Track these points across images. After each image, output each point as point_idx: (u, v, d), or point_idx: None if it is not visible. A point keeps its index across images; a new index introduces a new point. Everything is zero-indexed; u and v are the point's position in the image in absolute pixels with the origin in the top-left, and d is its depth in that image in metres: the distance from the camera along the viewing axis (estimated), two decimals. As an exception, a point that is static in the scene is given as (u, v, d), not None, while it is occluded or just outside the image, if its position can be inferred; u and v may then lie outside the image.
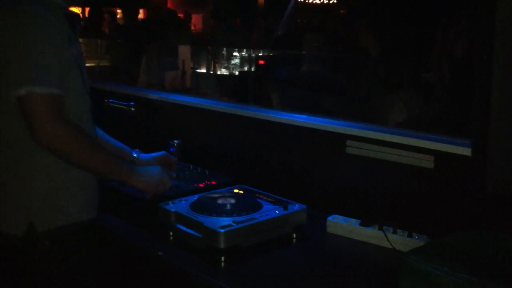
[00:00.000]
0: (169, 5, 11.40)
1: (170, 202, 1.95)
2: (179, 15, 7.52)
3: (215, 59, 5.99)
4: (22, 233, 1.65)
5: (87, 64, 2.33)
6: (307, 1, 10.32)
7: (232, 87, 5.48)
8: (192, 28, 9.11)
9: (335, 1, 10.14)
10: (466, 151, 1.76)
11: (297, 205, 1.94)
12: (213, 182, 2.27)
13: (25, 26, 1.59)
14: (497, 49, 1.49)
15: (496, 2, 1.46)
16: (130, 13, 6.34)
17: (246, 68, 5.87)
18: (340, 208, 2.05)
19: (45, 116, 1.55)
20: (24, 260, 1.67)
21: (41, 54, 1.58)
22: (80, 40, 1.90)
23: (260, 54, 5.62)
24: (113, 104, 3.06)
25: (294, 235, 1.90)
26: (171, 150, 2.64)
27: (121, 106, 3.01)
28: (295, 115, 2.41)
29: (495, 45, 1.49)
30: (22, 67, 1.55)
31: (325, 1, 10.41)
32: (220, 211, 1.86)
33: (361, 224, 1.90)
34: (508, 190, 1.56)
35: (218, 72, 5.96)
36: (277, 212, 1.88)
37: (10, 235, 1.66)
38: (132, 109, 3.00)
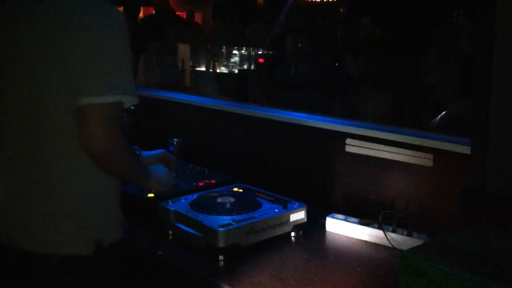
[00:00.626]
0: (171, 4, 11.36)
1: (169, 201, 1.96)
2: (180, 13, 7.52)
3: (214, 58, 5.99)
4: (90, 252, 1.54)
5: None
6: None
7: (231, 85, 5.49)
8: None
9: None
10: (465, 149, 1.76)
11: (296, 204, 1.94)
12: (213, 181, 2.27)
13: (116, 28, 1.50)
14: (497, 47, 1.49)
15: (496, 1, 1.46)
16: (132, 12, 6.33)
17: (245, 66, 5.87)
18: (339, 206, 2.05)
19: (113, 126, 1.47)
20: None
21: (128, 60, 1.51)
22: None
23: (260, 52, 5.62)
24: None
25: (294, 234, 1.90)
26: (171, 148, 2.64)
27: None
28: (294, 113, 2.41)
29: (494, 43, 1.49)
30: (113, 72, 1.46)
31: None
32: (220, 210, 1.86)
33: (360, 223, 1.90)
34: (508, 188, 1.56)
35: (218, 71, 5.96)
36: (276, 210, 1.88)
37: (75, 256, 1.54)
38: (131, 107, 2.99)
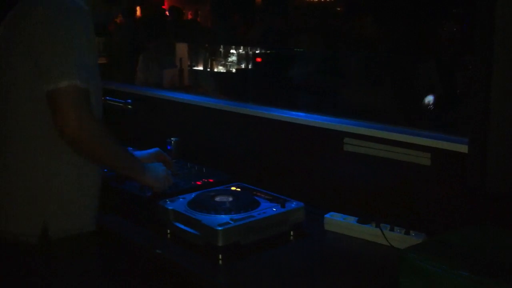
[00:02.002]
0: (166, 3, 11.35)
1: (167, 200, 1.95)
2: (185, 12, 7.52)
3: (212, 57, 5.98)
4: (35, 238, 1.62)
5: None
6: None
7: (229, 84, 5.49)
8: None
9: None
10: (463, 148, 1.76)
11: (294, 203, 1.94)
12: (211, 180, 2.27)
13: (68, 20, 1.60)
14: (497, 47, 1.49)
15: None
16: (128, 11, 6.32)
17: (243, 66, 5.87)
18: (337, 205, 2.05)
19: (81, 109, 1.56)
20: (29, 261, 1.65)
21: (81, 49, 1.59)
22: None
23: (258, 52, 5.62)
24: (110, 102, 3.06)
25: (292, 233, 1.91)
26: (168, 147, 2.64)
27: (118, 104, 3.01)
28: (293, 112, 2.41)
29: (494, 42, 1.49)
30: (64, 60, 1.55)
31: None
32: (218, 208, 1.86)
33: (358, 222, 1.90)
34: (507, 186, 1.56)
35: (215, 70, 5.95)
36: (274, 209, 1.88)
37: (20, 237, 1.63)
38: (129, 106, 3.00)
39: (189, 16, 10.18)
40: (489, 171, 1.52)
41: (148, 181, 1.86)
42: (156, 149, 2.16)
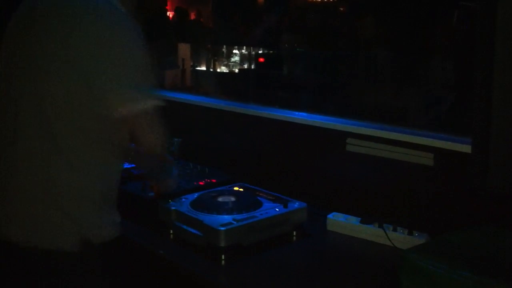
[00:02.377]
0: (169, 4, 11.36)
1: (170, 201, 1.96)
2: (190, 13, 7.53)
3: (214, 57, 5.99)
4: (76, 249, 1.52)
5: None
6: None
7: (232, 84, 5.49)
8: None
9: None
10: (466, 148, 1.76)
11: (297, 203, 1.94)
12: (213, 180, 2.27)
13: (135, 39, 1.54)
14: (498, 46, 1.49)
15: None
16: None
17: (246, 66, 5.87)
18: (340, 206, 2.05)
19: (162, 126, 1.62)
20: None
21: (147, 64, 1.57)
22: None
23: (260, 52, 5.62)
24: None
25: (295, 233, 1.91)
26: (172, 148, 2.65)
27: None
28: (295, 112, 2.41)
29: (495, 42, 1.49)
30: (142, 80, 1.54)
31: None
32: (221, 209, 1.86)
33: (361, 222, 1.90)
34: (509, 187, 1.56)
35: (218, 70, 5.96)
36: (277, 210, 1.89)
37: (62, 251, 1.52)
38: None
39: (192, 17, 10.18)
40: (491, 171, 1.52)
41: (169, 183, 1.91)
42: None
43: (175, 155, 2.58)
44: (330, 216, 1.98)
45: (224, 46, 5.86)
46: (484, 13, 1.48)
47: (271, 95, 4.14)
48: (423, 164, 1.92)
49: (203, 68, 5.93)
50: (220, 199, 1.95)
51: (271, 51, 5.48)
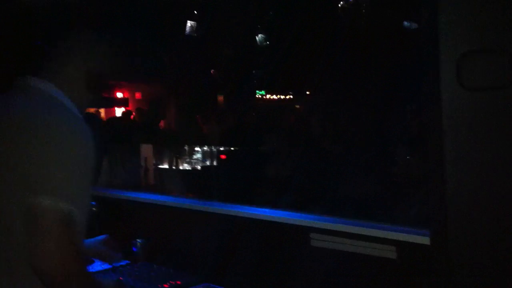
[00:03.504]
0: (130, 105, 11.58)
1: (134, 306, 1.90)
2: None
3: (177, 154, 6.05)
4: None
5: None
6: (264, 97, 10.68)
7: (194, 182, 5.51)
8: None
9: (291, 96, 10.51)
10: (427, 240, 1.80)
11: (264, 302, 1.91)
12: (178, 282, 2.22)
13: (61, 139, 1.44)
14: (447, 136, 1.57)
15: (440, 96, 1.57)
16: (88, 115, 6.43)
17: (208, 163, 5.93)
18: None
19: (65, 239, 1.36)
20: None
21: (74, 170, 1.43)
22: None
23: (222, 149, 5.72)
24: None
25: (263, 334, 1.86)
26: (134, 249, 2.60)
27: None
28: (258, 209, 2.43)
29: (443, 132, 1.58)
30: (49, 176, 1.39)
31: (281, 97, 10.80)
32: (186, 312, 1.81)
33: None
34: (472, 278, 1.58)
35: (181, 168, 5.99)
36: (244, 310, 1.85)
37: None
38: (94, 209, 2.96)
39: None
40: (452, 262, 1.55)
41: None
42: (106, 235, 2.13)
43: (139, 257, 2.53)
44: (298, 314, 1.94)
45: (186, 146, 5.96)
46: (431, 118, 1.58)
47: (234, 191, 4.17)
48: (386, 257, 1.94)
49: (166, 166, 5.97)
50: (185, 302, 1.91)
51: (232, 148, 5.59)
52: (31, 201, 1.35)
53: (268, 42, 5.92)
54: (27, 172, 1.39)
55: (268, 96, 10.78)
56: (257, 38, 5.98)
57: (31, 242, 1.34)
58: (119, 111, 9.77)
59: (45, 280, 1.36)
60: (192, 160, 6.04)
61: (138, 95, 12.73)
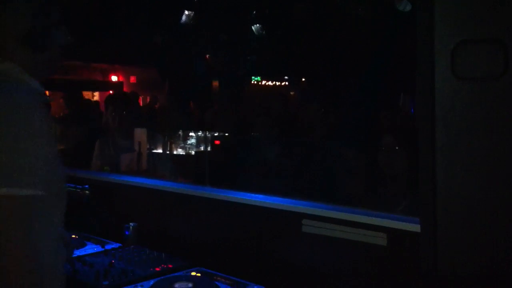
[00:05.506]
0: (125, 88, 11.56)
1: (125, 288, 1.91)
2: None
3: (171, 139, 6.04)
4: None
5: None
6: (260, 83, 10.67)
7: (188, 167, 5.52)
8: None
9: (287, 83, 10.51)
10: (418, 228, 1.81)
11: (255, 287, 1.92)
12: (170, 266, 2.24)
13: (12, 115, 1.31)
14: (438, 130, 1.58)
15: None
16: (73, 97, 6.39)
17: (202, 148, 5.93)
18: (298, 287, 2.04)
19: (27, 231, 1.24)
20: None
21: (33, 151, 1.31)
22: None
23: (216, 134, 5.72)
24: (67, 188, 3.02)
25: (253, 318, 1.88)
26: (126, 233, 2.61)
27: (76, 190, 2.97)
28: (251, 194, 2.44)
29: (435, 124, 1.58)
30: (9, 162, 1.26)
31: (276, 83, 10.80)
32: (177, 296, 1.82)
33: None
34: (459, 268, 1.60)
35: (175, 152, 5.99)
36: (235, 295, 1.87)
37: None
38: (87, 192, 2.96)
39: (147, 100, 10.31)
40: (440, 251, 1.57)
41: None
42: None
43: (131, 240, 2.54)
44: (288, 299, 1.97)
45: (181, 130, 5.95)
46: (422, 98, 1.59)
47: (227, 177, 4.17)
48: (377, 244, 1.96)
49: (160, 150, 5.96)
50: (177, 285, 1.92)
51: (227, 134, 5.58)
52: None
53: (264, 32, 5.88)
54: None
55: (263, 82, 10.77)
56: (253, 28, 5.94)
57: None
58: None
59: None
60: (186, 146, 6.04)
61: (133, 79, 12.70)
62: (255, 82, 10.57)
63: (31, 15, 1.49)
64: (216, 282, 1.98)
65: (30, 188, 1.28)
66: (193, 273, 2.08)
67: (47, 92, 1.67)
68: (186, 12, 5.89)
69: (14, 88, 1.40)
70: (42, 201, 1.31)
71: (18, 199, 1.25)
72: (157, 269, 2.20)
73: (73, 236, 2.58)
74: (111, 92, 9.95)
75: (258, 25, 5.87)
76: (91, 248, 2.47)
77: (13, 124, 1.30)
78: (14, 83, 1.43)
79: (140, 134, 4.70)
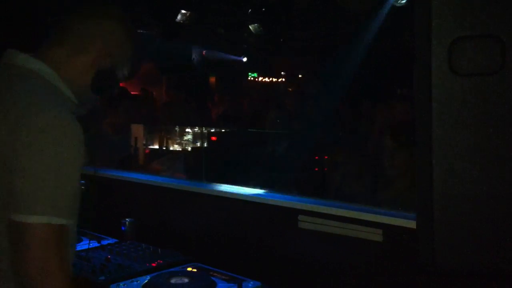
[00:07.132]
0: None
1: (121, 284, 1.91)
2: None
3: (167, 135, 6.03)
4: None
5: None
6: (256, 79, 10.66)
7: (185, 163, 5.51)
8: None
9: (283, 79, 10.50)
10: (413, 224, 1.82)
11: (251, 283, 1.93)
12: (166, 261, 2.23)
13: (53, 130, 1.26)
14: (435, 126, 1.58)
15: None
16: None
17: (198, 144, 5.92)
18: (294, 283, 2.04)
19: (51, 258, 1.23)
20: None
21: (67, 178, 1.31)
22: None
23: (212, 131, 5.72)
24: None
25: (249, 314, 1.88)
26: (123, 228, 2.60)
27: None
28: (248, 190, 2.44)
29: (432, 123, 1.59)
30: (39, 188, 1.23)
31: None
32: (174, 291, 1.82)
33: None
34: (456, 263, 1.60)
35: (171, 148, 5.98)
36: (231, 290, 1.87)
37: None
38: (83, 187, 2.96)
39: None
40: (437, 247, 1.57)
41: None
42: None
43: (128, 235, 2.54)
44: (284, 295, 1.97)
45: (177, 126, 5.94)
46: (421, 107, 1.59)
47: (224, 173, 4.17)
48: (372, 240, 1.97)
49: (156, 146, 5.95)
50: (173, 280, 1.92)
51: (223, 130, 5.58)
52: (14, 218, 1.22)
53: (262, 29, 5.85)
54: (9, 185, 1.23)
55: (260, 78, 10.75)
56: (251, 27, 5.92)
57: (15, 258, 1.24)
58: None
59: None
60: (183, 142, 6.03)
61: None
62: (252, 78, 10.55)
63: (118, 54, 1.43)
64: (213, 278, 1.98)
65: (65, 218, 1.27)
66: (190, 269, 2.08)
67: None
68: (183, 11, 5.88)
69: (52, 96, 1.33)
70: (72, 229, 1.33)
71: (56, 228, 1.24)
72: (154, 264, 2.20)
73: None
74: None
75: (256, 24, 5.85)
76: (87, 244, 2.46)
77: (55, 142, 1.26)
78: (51, 88, 1.36)
79: (137, 129, 4.69)
